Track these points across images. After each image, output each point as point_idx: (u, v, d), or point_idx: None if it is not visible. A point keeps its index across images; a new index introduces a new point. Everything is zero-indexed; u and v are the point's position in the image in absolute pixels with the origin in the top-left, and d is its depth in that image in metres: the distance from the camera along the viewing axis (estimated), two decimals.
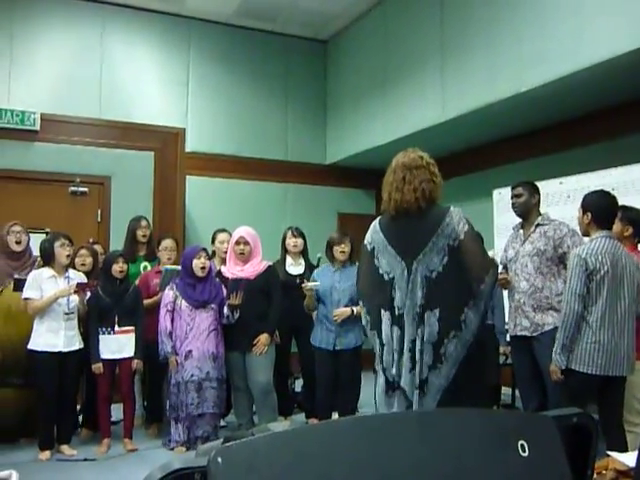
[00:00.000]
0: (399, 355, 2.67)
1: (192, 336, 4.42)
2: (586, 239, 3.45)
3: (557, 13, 4.86)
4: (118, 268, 4.51)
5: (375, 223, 2.86)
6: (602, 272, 3.17)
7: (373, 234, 2.83)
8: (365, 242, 2.86)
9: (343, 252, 4.66)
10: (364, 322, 2.91)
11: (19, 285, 4.37)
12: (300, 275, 4.97)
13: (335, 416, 4.73)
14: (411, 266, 2.65)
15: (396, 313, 2.68)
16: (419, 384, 2.63)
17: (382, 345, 2.76)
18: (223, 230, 5.27)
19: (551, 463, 0.96)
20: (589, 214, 3.32)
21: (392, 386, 2.73)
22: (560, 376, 3.26)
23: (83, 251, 4.88)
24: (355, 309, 4.58)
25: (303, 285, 4.53)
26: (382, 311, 2.74)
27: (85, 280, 4.50)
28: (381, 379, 2.78)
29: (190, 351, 4.41)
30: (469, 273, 2.61)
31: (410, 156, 2.82)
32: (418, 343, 2.62)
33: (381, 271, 2.75)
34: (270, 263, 4.82)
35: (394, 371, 2.69)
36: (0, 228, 4.80)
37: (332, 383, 4.63)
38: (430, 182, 2.73)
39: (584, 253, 3.20)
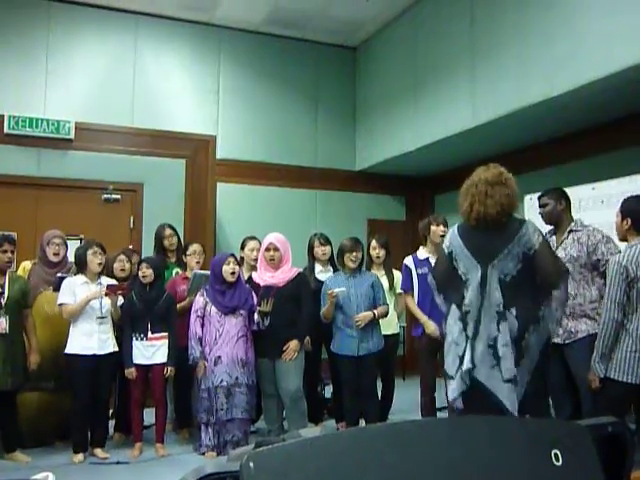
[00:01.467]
0: (464, 349, 2.94)
1: (221, 342, 4.45)
2: (623, 245, 3.39)
3: (589, 16, 4.80)
4: (141, 273, 4.58)
5: (454, 229, 3.13)
6: None
7: (452, 239, 3.10)
8: (444, 245, 3.18)
9: (355, 260, 4.65)
10: (444, 311, 3.19)
11: (60, 283, 4.48)
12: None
13: (362, 423, 4.72)
14: (486, 270, 2.93)
15: (463, 310, 2.97)
16: (508, 379, 2.83)
17: (446, 334, 3.10)
18: (253, 238, 5.29)
19: (585, 473, 0.95)
20: (629, 220, 3.26)
21: (445, 373, 3.04)
22: (598, 385, 3.21)
23: (122, 256, 4.96)
24: (376, 312, 4.57)
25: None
26: (453, 305, 3.05)
27: (115, 284, 4.58)
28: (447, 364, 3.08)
29: (219, 357, 4.43)
30: (544, 279, 2.89)
31: (492, 172, 3.02)
32: (501, 340, 2.84)
33: (460, 272, 3.04)
34: (300, 270, 4.84)
35: (450, 360, 2.99)
36: (42, 236, 4.93)
37: (358, 389, 4.61)
38: (509, 197, 2.96)
39: (624, 260, 3.14)
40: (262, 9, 7.20)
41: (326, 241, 5.22)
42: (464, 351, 2.92)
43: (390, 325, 4.98)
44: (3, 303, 4.25)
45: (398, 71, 7.33)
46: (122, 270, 4.88)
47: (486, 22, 5.93)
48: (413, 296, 4.73)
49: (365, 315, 4.53)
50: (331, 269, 5.20)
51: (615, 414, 1.33)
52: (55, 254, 4.82)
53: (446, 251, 3.10)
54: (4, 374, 4.22)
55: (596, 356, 3.19)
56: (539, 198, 4.05)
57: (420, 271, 4.67)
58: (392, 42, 7.52)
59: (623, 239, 3.36)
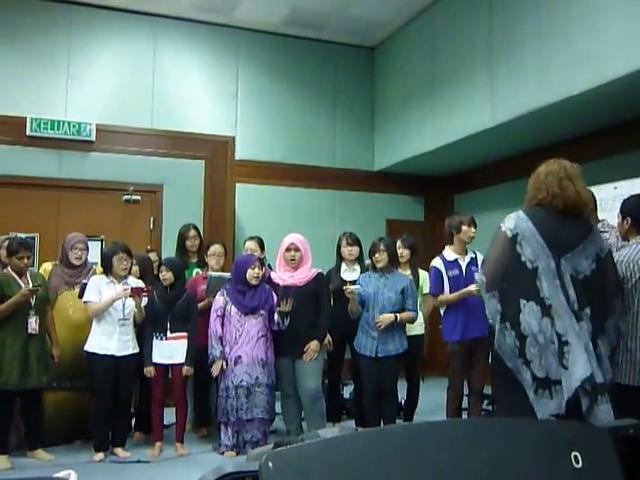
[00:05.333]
0: (558, 349, 2.54)
1: (242, 342, 4.47)
2: None
3: (609, 14, 4.75)
4: (161, 276, 4.64)
5: (519, 213, 2.74)
6: (633, 280, 3.05)
7: (518, 222, 2.69)
8: (504, 228, 2.70)
9: (378, 261, 4.63)
10: (492, 314, 2.69)
11: (84, 290, 4.54)
12: (354, 281, 4.96)
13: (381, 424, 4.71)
14: (559, 261, 2.62)
15: (546, 304, 2.58)
16: (603, 383, 2.54)
17: (523, 337, 2.60)
18: (252, 238, 5.29)
19: (605, 475, 0.94)
20: (629, 219, 3.22)
21: (542, 381, 2.57)
22: None
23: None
24: (399, 316, 4.54)
25: (345, 287, 4.52)
26: (523, 301, 2.61)
27: (142, 286, 4.62)
28: (527, 374, 2.61)
29: (239, 357, 4.46)
30: (608, 286, 2.71)
31: (571, 164, 2.80)
32: (584, 341, 2.54)
33: (523, 259, 2.63)
34: (319, 270, 4.84)
35: (553, 363, 2.55)
36: (64, 238, 4.97)
37: (378, 390, 4.60)
38: (590, 195, 2.82)
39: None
40: (280, 10, 7.22)
41: (354, 241, 5.17)
42: (560, 351, 2.54)
43: (416, 326, 4.93)
44: (33, 303, 4.31)
45: (417, 71, 7.31)
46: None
47: (505, 21, 5.89)
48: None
49: (386, 317, 4.50)
50: (358, 269, 5.17)
51: (626, 416, 1.32)
52: (77, 258, 4.88)
53: (509, 234, 2.65)
54: (39, 372, 4.30)
55: None
56: None
57: (451, 274, 4.53)
58: (410, 42, 7.50)
59: (625, 239, 3.32)
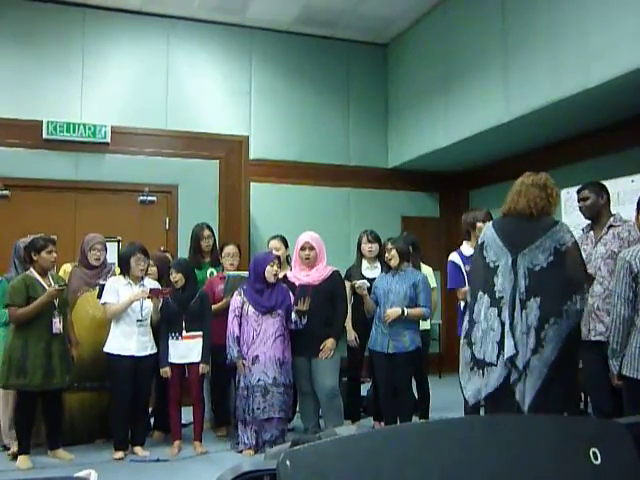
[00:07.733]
0: (500, 335, 2.93)
1: (259, 341, 4.49)
2: None
3: (623, 6, 4.70)
4: (172, 278, 4.66)
5: (490, 223, 3.33)
6: None
7: (486, 230, 3.22)
8: (478, 240, 3.28)
9: (388, 259, 4.67)
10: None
11: (102, 290, 4.59)
12: (374, 278, 4.95)
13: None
14: (516, 257, 2.99)
15: (496, 296, 3.00)
16: (523, 365, 2.87)
17: (472, 322, 3.09)
18: (275, 237, 5.32)
19: (624, 472, 0.94)
20: None
21: (479, 362, 3.02)
22: (618, 382, 3.15)
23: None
24: (406, 310, 4.52)
25: (352, 283, 4.56)
26: (480, 293, 3.09)
27: (158, 287, 4.66)
28: (467, 352, 3.10)
29: (257, 356, 4.47)
30: (570, 278, 2.93)
31: (535, 177, 3.15)
32: (520, 327, 2.90)
33: (487, 260, 3.10)
34: (335, 268, 4.84)
35: (490, 347, 2.96)
36: (83, 239, 5.03)
37: (391, 387, 4.60)
38: (544, 200, 3.06)
39: (629, 255, 3.10)
40: (292, 9, 7.23)
41: (374, 239, 5.22)
42: (501, 337, 2.93)
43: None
44: (56, 304, 4.35)
45: (430, 67, 7.28)
46: (149, 274, 4.92)
47: (518, 15, 5.85)
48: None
49: (393, 311, 4.51)
50: (379, 266, 5.19)
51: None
52: (97, 259, 4.94)
53: (479, 242, 3.20)
54: (62, 372, 4.34)
55: (609, 352, 3.15)
56: (578, 191, 3.99)
57: (468, 268, 4.47)
58: (423, 38, 7.47)
59: None
